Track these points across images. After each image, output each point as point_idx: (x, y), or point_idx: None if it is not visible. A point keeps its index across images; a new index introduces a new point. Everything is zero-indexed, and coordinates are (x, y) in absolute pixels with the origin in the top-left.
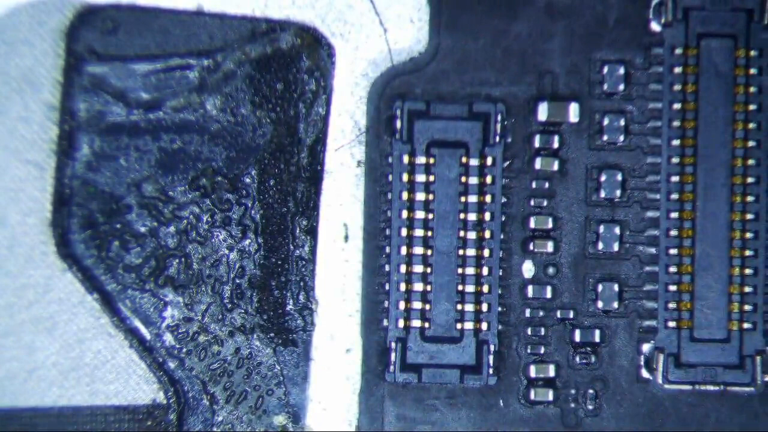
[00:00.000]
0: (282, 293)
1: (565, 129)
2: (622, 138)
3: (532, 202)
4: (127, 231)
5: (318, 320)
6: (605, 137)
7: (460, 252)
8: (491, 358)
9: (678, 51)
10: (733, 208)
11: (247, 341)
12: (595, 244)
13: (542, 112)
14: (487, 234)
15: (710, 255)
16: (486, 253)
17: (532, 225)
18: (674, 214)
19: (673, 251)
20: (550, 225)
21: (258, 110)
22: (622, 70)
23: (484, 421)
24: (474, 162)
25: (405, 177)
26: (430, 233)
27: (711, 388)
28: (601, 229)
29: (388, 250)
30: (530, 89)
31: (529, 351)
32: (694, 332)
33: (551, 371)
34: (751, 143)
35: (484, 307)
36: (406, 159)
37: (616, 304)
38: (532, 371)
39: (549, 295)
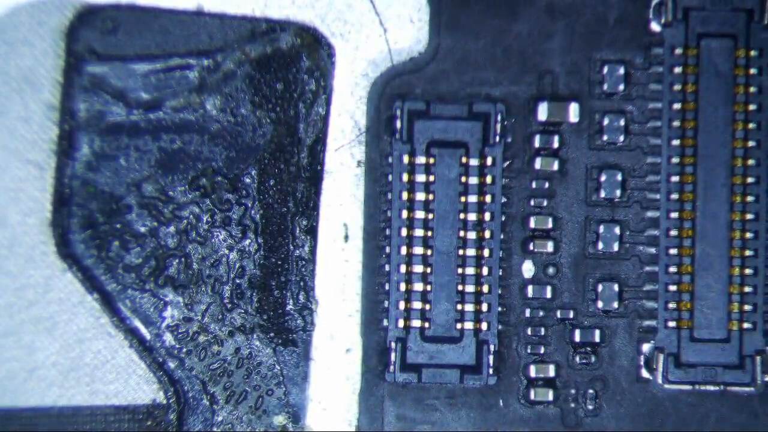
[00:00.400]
0: (282, 293)
1: (565, 129)
2: (622, 138)
3: (532, 202)
4: (127, 231)
5: (318, 320)
6: (605, 137)
7: (460, 252)
8: (491, 358)
9: (678, 51)
10: (733, 208)
11: (247, 341)
12: (595, 244)
13: (542, 112)
14: (487, 234)
15: (710, 255)
16: (486, 253)
17: (532, 225)
18: (674, 214)
19: (673, 251)
20: (550, 225)
21: (258, 110)
22: (622, 70)
23: (484, 421)
24: (474, 162)
25: (405, 177)
26: (430, 233)
27: (711, 388)
28: (601, 229)
29: (388, 250)
30: (530, 89)
31: (529, 351)
32: (694, 332)
33: (551, 371)
34: (751, 143)
35: (484, 307)
36: (406, 159)
37: (616, 304)
38: (532, 371)
39: (549, 295)
